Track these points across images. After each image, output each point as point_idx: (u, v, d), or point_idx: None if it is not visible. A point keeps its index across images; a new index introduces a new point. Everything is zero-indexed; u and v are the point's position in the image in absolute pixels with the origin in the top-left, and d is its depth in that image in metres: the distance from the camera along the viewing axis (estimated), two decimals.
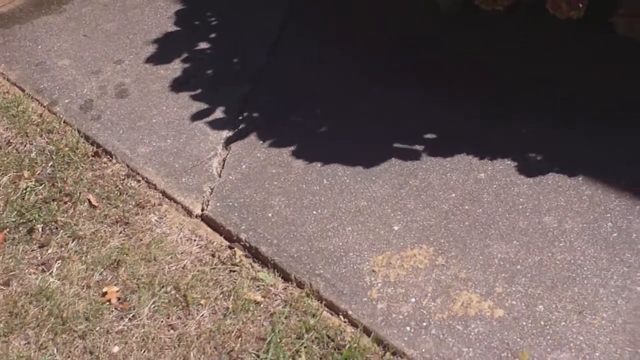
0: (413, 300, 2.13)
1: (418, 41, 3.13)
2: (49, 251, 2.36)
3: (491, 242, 2.26)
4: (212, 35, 3.30)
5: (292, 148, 2.69)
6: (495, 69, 2.92)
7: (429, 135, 2.69)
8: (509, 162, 2.54)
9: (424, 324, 2.06)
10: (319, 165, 2.61)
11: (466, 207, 2.40)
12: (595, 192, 2.38)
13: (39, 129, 2.85)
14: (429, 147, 2.65)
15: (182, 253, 2.34)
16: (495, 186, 2.46)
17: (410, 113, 2.78)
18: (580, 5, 2.41)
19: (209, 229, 2.45)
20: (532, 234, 2.27)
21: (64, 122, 2.88)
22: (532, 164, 2.52)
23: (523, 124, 2.67)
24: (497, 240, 2.27)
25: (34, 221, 2.45)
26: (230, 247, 2.36)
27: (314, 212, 2.44)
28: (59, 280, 2.26)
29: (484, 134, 2.66)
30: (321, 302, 2.16)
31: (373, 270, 2.22)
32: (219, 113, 2.87)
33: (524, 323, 2.03)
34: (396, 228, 2.35)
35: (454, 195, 2.45)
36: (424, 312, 2.09)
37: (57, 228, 2.44)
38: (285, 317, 2.11)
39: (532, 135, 2.62)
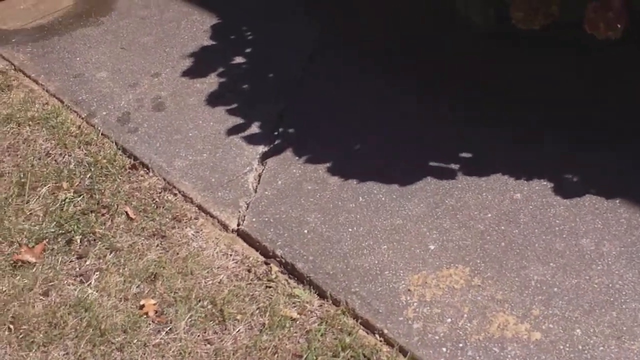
0: (449, 320, 2.13)
1: (450, 60, 3.14)
2: (87, 262, 2.39)
3: (528, 264, 2.26)
4: (248, 50, 3.32)
5: (328, 165, 2.70)
6: (531, 89, 2.93)
7: (464, 155, 2.70)
8: (545, 183, 2.54)
9: (460, 345, 2.06)
10: (355, 182, 2.62)
11: (502, 227, 2.40)
12: (633, 215, 2.37)
13: (77, 141, 2.88)
14: (465, 166, 2.65)
15: (218, 268, 2.36)
16: (531, 207, 2.46)
17: (445, 132, 2.79)
18: (619, 26, 2.41)
19: (245, 244, 2.46)
20: (569, 257, 2.27)
21: (102, 134, 2.91)
22: (568, 185, 2.51)
23: (559, 145, 2.66)
24: (533, 261, 2.27)
25: (72, 232, 2.47)
26: (266, 263, 2.37)
27: (350, 230, 2.45)
28: (97, 291, 2.28)
29: (519, 154, 2.66)
30: (357, 321, 2.17)
31: (409, 290, 2.23)
32: (254, 128, 2.89)
33: (562, 347, 2.02)
34: (432, 247, 2.36)
35: (490, 215, 2.45)
36: (460, 333, 2.09)
37: (95, 240, 2.46)
38: (321, 335, 2.12)
39: (568, 157, 2.61)
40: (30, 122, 2.98)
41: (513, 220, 2.42)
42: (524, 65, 3.05)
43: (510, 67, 3.05)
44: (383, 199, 2.55)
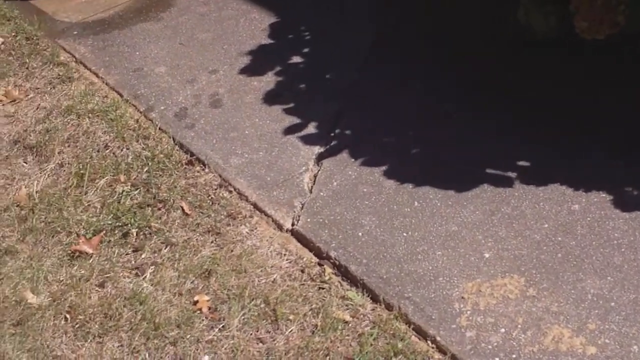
0: (503, 330, 2.11)
1: (509, 67, 3.11)
2: (143, 256, 2.42)
3: (584, 277, 2.23)
4: (306, 50, 3.33)
5: (384, 168, 2.70)
6: (588, 99, 2.88)
7: (522, 163, 2.67)
8: (603, 195, 2.50)
9: (514, 356, 2.05)
10: (411, 186, 2.61)
11: (559, 238, 2.37)
12: None
13: (135, 134, 2.91)
14: (522, 175, 2.62)
15: (272, 267, 2.37)
16: (589, 219, 2.43)
17: (503, 140, 2.76)
18: None
19: (298, 244, 2.47)
20: (627, 271, 2.24)
21: (160, 128, 2.94)
22: (628, 198, 2.48)
23: (619, 157, 2.62)
24: (590, 274, 2.24)
25: (129, 225, 2.50)
26: (320, 264, 2.38)
27: (405, 234, 2.44)
28: (152, 285, 2.30)
29: (578, 164, 2.63)
30: (409, 326, 2.17)
31: (462, 297, 2.21)
32: (311, 128, 2.90)
33: None
34: (487, 255, 2.34)
35: (546, 225, 2.42)
36: (514, 343, 2.07)
37: (150, 233, 2.49)
38: (374, 339, 2.12)
39: (628, 169, 2.57)
40: (90, 114, 3.02)
41: (570, 232, 2.39)
42: (584, 77, 3.01)
43: (570, 78, 3.01)
44: (438, 204, 2.54)
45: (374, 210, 2.54)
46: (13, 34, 3.58)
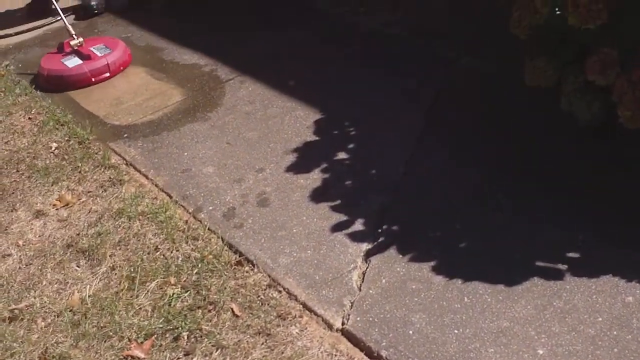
0: None
1: (558, 155, 3.11)
2: None
3: None
4: (351, 146, 3.37)
5: (432, 263, 2.69)
6: (637, 186, 2.86)
7: (571, 255, 2.65)
8: None
9: None
10: (460, 282, 2.60)
11: (614, 332, 2.33)
12: None
13: (184, 236, 2.95)
14: (573, 267, 2.59)
15: None
16: None
17: (551, 231, 2.75)
18: None
19: (349, 343, 2.45)
20: None
21: (208, 229, 2.98)
22: None
23: None
24: None
25: (180, 328, 2.52)
26: None
27: (456, 331, 2.41)
28: None
29: (630, 255, 2.59)
30: None
31: None
32: (358, 225, 2.91)
33: None
34: (541, 352, 2.30)
35: (600, 319, 2.38)
36: None
37: (201, 336, 2.50)
38: None
39: None
40: (140, 217, 3.07)
41: (626, 325, 2.34)
42: (635, 163, 2.99)
43: (619, 165, 3.00)
44: (489, 299, 2.52)
45: (424, 307, 2.52)
46: (66, 138, 3.69)
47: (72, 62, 4.32)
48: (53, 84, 4.28)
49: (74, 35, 4.40)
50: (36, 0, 5.16)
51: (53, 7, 4.56)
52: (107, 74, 4.32)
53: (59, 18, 4.56)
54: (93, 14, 5.16)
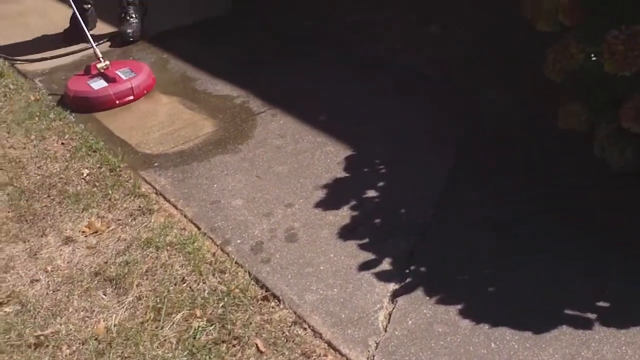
0: None
1: (584, 200, 3.10)
2: None
3: None
4: (380, 184, 3.37)
5: (459, 307, 2.67)
6: None
7: (601, 304, 2.62)
8: None
9: None
10: (487, 327, 2.58)
11: None
12: None
13: (212, 268, 2.95)
14: (602, 317, 2.57)
15: None
16: None
17: (579, 278, 2.73)
18: None
19: None
20: None
21: (236, 262, 2.98)
22: None
23: None
24: None
25: None
26: None
27: None
28: None
29: None
30: None
31: None
32: (385, 264, 2.90)
33: None
34: None
35: None
36: None
37: None
38: None
39: None
40: (168, 247, 3.08)
41: None
42: None
43: None
44: (516, 346, 2.49)
45: (450, 351, 2.50)
46: (98, 165, 3.72)
47: (98, 84, 4.41)
48: (78, 105, 4.37)
49: (100, 58, 4.50)
50: (72, 26, 5.23)
51: (84, 31, 4.63)
52: (131, 97, 4.40)
53: (96, 44, 4.62)
54: (129, 42, 5.21)
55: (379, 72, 4.41)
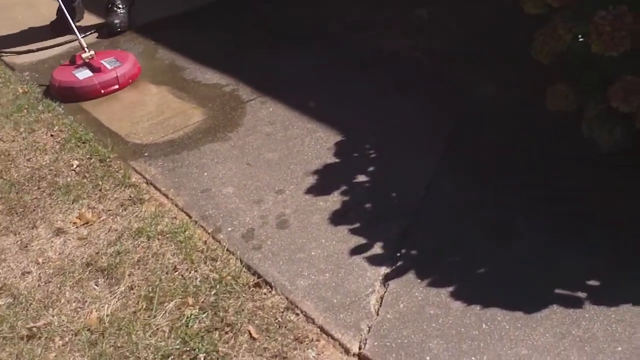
0: None
1: (574, 182, 3.11)
2: None
3: None
4: (371, 169, 3.37)
5: (451, 289, 2.68)
6: None
7: (591, 283, 2.63)
8: None
9: None
10: (478, 308, 2.58)
11: None
12: None
13: (203, 256, 2.96)
14: (592, 295, 2.58)
15: None
16: None
17: (570, 258, 2.74)
18: None
19: None
20: None
21: (227, 250, 2.98)
22: None
23: None
24: None
25: (197, 350, 2.52)
26: None
27: (473, 358, 2.40)
28: None
29: None
30: None
31: None
32: (377, 249, 2.91)
33: None
34: None
35: (620, 348, 2.36)
36: None
37: (218, 358, 2.50)
38: None
39: None
40: (160, 236, 3.08)
41: None
42: None
43: (633, 191, 2.98)
44: (507, 326, 2.50)
45: (442, 332, 2.51)
46: (87, 156, 3.71)
47: (83, 74, 4.42)
48: (64, 95, 4.38)
49: (85, 48, 4.52)
50: (59, 18, 5.21)
51: (69, 22, 4.64)
52: (117, 86, 4.42)
53: (82, 35, 4.61)
54: (116, 32, 5.19)
55: (370, 61, 4.39)
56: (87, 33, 5.18)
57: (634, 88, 2.70)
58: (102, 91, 4.37)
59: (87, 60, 4.48)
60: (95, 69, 4.43)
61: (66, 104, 4.28)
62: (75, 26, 4.66)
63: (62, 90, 4.40)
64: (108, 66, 4.45)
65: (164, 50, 4.88)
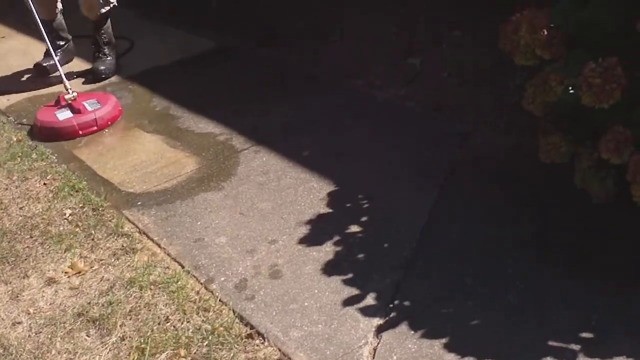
0: None
1: (567, 232, 3.11)
2: None
3: None
4: (364, 219, 3.37)
5: (444, 340, 2.66)
6: None
7: (585, 335, 2.62)
8: None
9: None
10: None
11: None
12: None
13: (196, 307, 2.94)
14: (585, 348, 2.56)
15: None
16: None
17: (563, 310, 2.73)
18: None
19: None
20: None
21: (220, 300, 2.97)
22: None
23: None
24: None
25: None
26: None
27: None
28: None
29: None
30: None
31: None
32: (370, 299, 2.90)
33: None
34: None
35: None
36: None
37: None
38: None
39: None
40: (152, 286, 3.07)
41: None
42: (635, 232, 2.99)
43: (630, 243, 2.98)
44: None
45: None
46: (80, 205, 3.71)
47: (64, 115, 4.56)
48: (45, 135, 4.53)
49: (69, 90, 4.65)
50: (42, 62, 5.33)
51: (53, 62, 4.83)
52: (95, 128, 4.55)
53: (67, 78, 4.71)
54: (101, 79, 5.25)
55: (363, 110, 4.42)
56: (72, 78, 5.23)
57: (624, 139, 2.72)
58: (80, 132, 4.50)
59: (70, 102, 4.60)
60: (75, 110, 4.57)
61: (60, 153, 4.31)
62: (61, 68, 4.81)
63: (43, 130, 4.55)
64: (88, 108, 4.58)
65: (158, 99, 4.90)
